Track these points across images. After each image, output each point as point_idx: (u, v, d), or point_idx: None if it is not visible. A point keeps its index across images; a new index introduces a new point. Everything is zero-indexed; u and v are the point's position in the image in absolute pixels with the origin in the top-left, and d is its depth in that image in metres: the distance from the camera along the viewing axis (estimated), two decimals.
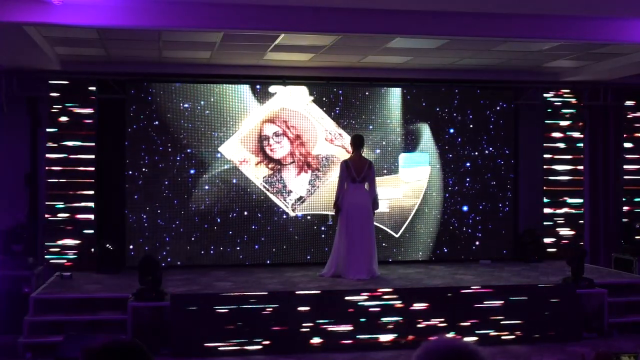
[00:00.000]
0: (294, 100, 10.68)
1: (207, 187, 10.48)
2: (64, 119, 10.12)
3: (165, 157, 10.40)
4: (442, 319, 8.13)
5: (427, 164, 11.05)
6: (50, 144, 10.09)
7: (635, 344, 8.05)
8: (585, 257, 9.11)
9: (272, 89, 10.63)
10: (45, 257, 9.92)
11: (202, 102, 10.49)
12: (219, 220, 10.50)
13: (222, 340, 7.68)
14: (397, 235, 10.94)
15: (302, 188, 10.69)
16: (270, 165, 10.63)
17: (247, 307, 7.82)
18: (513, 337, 8.19)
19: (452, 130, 11.18)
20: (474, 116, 11.26)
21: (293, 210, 10.67)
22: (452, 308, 8.21)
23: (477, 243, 11.21)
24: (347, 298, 8.07)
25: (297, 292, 8.16)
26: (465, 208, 11.21)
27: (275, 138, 10.62)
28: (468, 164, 11.23)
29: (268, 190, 10.59)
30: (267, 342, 7.76)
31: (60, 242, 10.04)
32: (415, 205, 11.01)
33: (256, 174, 10.58)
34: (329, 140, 10.77)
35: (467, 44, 9.05)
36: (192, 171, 10.44)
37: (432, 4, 7.52)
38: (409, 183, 10.98)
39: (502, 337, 8.15)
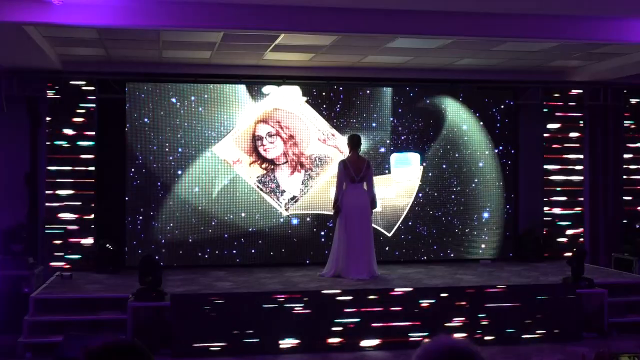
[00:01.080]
0: (287, 101, 10.69)
1: (203, 188, 10.47)
2: (63, 118, 10.11)
3: (165, 157, 10.39)
4: (444, 319, 8.13)
5: (419, 164, 11.05)
6: (50, 144, 10.09)
7: (635, 344, 8.04)
8: (585, 257, 9.11)
9: (265, 89, 10.64)
10: (45, 256, 9.91)
11: (201, 102, 10.50)
12: (215, 221, 10.50)
13: (222, 341, 7.68)
14: (389, 235, 10.94)
15: (295, 188, 10.71)
16: (263, 165, 10.64)
17: (248, 307, 7.82)
18: (513, 337, 8.19)
19: (452, 130, 11.18)
20: (473, 116, 11.25)
21: (286, 210, 10.69)
22: (453, 308, 8.20)
23: (477, 243, 11.21)
24: (338, 298, 8.08)
25: (297, 292, 8.16)
26: (465, 208, 11.21)
27: (269, 138, 10.64)
28: (468, 164, 11.22)
29: (262, 190, 10.60)
30: (267, 342, 7.75)
31: (60, 242, 10.03)
32: (407, 205, 11.01)
33: (250, 173, 10.59)
34: (322, 140, 10.79)
35: (467, 44, 9.06)
36: (189, 171, 10.44)
37: (432, 4, 7.52)
38: (400, 182, 10.97)
39: (502, 337, 8.15)
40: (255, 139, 10.63)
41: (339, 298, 8.07)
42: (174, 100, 10.44)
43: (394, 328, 7.99)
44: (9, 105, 9.93)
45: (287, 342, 7.78)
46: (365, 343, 7.90)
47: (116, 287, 8.68)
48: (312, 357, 7.64)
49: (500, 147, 11.33)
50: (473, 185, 11.25)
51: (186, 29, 7.99)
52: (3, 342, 7.97)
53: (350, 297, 8.07)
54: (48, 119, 10.10)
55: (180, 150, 10.43)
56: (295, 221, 10.70)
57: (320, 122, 10.78)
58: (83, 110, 10.20)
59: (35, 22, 7.44)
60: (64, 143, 10.12)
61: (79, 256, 10.06)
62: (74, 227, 10.09)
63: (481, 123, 11.27)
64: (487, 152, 11.28)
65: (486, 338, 8.05)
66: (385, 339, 7.94)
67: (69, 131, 10.13)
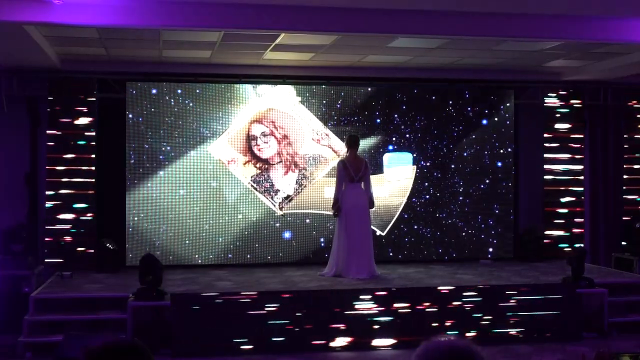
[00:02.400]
0: (281, 101, 10.69)
1: (201, 187, 10.49)
2: (63, 118, 10.11)
3: (165, 157, 10.40)
4: (445, 318, 8.13)
5: (411, 164, 11.05)
6: (50, 144, 10.09)
7: (635, 344, 8.05)
8: (585, 257, 9.11)
9: (259, 89, 10.64)
10: (45, 256, 9.91)
11: (201, 102, 10.51)
12: (212, 221, 10.50)
13: (222, 340, 7.68)
14: (383, 234, 10.94)
15: (289, 187, 10.72)
16: (257, 165, 10.65)
17: (248, 307, 7.82)
18: (513, 336, 8.19)
19: (452, 130, 11.19)
20: (473, 116, 11.26)
21: (280, 209, 10.70)
22: (452, 307, 8.20)
23: (478, 243, 11.22)
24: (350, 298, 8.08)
25: (295, 291, 8.17)
26: (465, 208, 11.21)
27: (263, 138, 10.65)
28: (468, 164, 11.23)
29: (256, 189, 10.61)
30: (267, 342, 7.75)
31: (60, 241, 10.02)
32: (401, 204, 11.01)
33: (244, 173, 10.59)
34: (316, 140, 10.80)
35: (467, 43, 9.05)
36: (188, 171, 10.45)
37: (432, 4, 7.52)
38: (392, 182, 10.97)
39: (503, 337, 8.15)
40: (250, 138, 10.64)
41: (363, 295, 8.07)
42: (173, 99, 10.44)
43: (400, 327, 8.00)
44: (9, 105, 9.94)
45: (276, 342, 7.78)
46: (378, 342, 7.91)
47: (116, 287, 8.68)
48: (312, 356, 7.65)
49: (500, 147, 11.33)
50: (473, 185, 11.24)
51: (186, 28, 7.98)
52: (3, 341, 7.97)
53: (332, 297, 8.07)
54: (48, 118, 10.09)
55: (179, 150, 10.44)
56: (287, 235, 10.67)
57: (314, 122, 10.79)
58: (83, 110, 10.19)
59: (36, 22, 7.44)
60: (63, 142, 10.11)
61: (79, 256, 10.05)
62: (74, 226, 10.09)
63: (480, 122, 11.27)
64: (486, 152, 11.28)
65: (486, 338, 8.04)
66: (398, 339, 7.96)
67: (69, 131, 10.13)
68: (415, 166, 11.07)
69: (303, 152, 10.78)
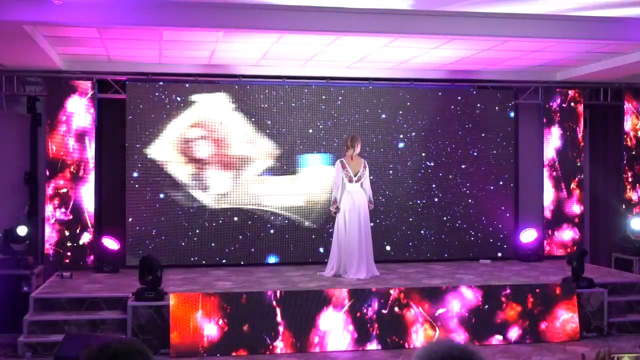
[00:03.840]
0: (215, 109, 10.53)
1: (200, 187, 10.49)
2: (63, 118, 10.12)
3: (164, 157, 10.40)
4: (446, 317, 8.14)
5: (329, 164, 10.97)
6: (50, 144, 10.09)
7: (635, 344, 8.05)
8: (585, 256, 9.11)
9: (194, 97, 10.46)
10: (45, 256, 9.92)
11: (201, 102, 10.51)
12: (211, 222, 10.52)
13: (222, 340, 7.68)
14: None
15: (224, 185, 10.59)
16: (195, 165, 10.51)
17: (247, 306, 7.82)
18: (513, 336, 8.19)
19: (452, 130, 11.19)
20: (474, 116, 11.26)
21: (218, 205, 10.61)
22: (452, 307, 8.20)
23: (478, 243, 11.22)
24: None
25: (294, 291, 8.17)
26: (467, 208, 11.21)
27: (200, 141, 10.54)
28: (468, 164, 11.23)
29: (192, 187, 10.50)
30: (268, 342, 7.76)
31: (59, 242, 10.03)
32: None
33: (183, 172, 10.47)
34: (248, 142, 10.66)
35: (467, 43, 9.05)
36: (187, 171, 10.45)
37: (431, 4, 7.52)
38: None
39: (502, 337, 8.15)
40: (185, 141, 10.43)
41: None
42: (172, 99, 10.44)
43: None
44: (9, 105, 9.94)
45: (277, 342, 7.79)
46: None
47: (116, 287, 8.68)
48: (302, 356, 7.65)
49: (500, 147, 11.32)
50: (474, 185, 11.24)
51: (186, 29, 7.99)
52: (3, 341, 7.98)
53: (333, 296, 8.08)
54: (48, 118, 10.10)
55: (179, 150, 10.43)
56: (273, 259, 10.66)
57: (246, 127, 10.56)
58: (83, 110, 10.19)
59: (36, 22, 7.44)
60: (63, 142, 10.11)
61: (79, 255, 10.05)
62: (74, 226, 10.09)
63: (480, 122, 11.26)
64: (486, 152, 11.28)
65: (485, 338, 8.04)
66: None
67: (68, 130, 10.13)
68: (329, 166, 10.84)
69: (236, 153, 10.59)
